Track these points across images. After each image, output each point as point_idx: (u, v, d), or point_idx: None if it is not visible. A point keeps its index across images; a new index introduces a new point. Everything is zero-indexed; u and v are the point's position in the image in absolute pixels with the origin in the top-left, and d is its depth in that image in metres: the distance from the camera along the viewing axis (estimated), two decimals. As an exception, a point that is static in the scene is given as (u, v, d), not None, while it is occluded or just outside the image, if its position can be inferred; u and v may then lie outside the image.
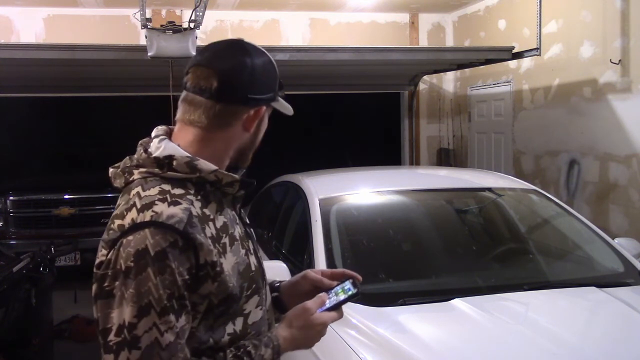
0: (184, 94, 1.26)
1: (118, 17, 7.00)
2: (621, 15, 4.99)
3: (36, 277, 3.57)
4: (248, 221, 1.39)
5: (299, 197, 3.36)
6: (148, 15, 5.13)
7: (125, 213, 1.14)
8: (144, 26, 4.61)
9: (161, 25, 4.71)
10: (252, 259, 1.29)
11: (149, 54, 4.59)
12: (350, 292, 1.33)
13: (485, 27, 7.18)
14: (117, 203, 1.20)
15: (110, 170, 1.27)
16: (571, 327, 2.31)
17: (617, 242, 3.09)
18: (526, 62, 6.34)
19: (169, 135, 1.27)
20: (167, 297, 1.08)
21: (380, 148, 8.36)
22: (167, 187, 1.17)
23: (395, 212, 3.27)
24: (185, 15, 6.44)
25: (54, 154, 7.63)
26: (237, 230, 1.27)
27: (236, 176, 1.24)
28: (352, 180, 3.72)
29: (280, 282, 1.49)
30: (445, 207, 3.42)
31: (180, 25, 4.67)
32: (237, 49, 1.25)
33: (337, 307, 1.32)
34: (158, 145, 1.22)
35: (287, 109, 1.33)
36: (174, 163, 1.18)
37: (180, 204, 1.14)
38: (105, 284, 1.10)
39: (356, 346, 2.11)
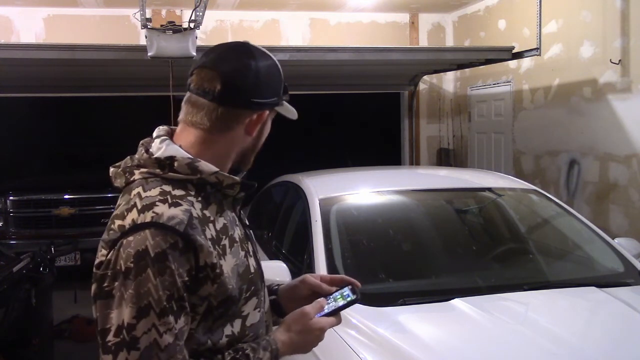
0: (187, 94, 1.25)
1: (118, 17, 7.00)
2: (621, 15, 4.99)
3: (36, 277, 3.57)
4: (247, 222, 1.39)
5: (299, 197, 3.36)
6: (148, 15, 5.13)
7: (125, 213, 1.14)
8: (144, 26, 4.61)
9: (161, 25, 4.71)
10: (252, 261, 1.29)
11: (149, 54, 4.59)
12: (349, 299, 1.33)
13: (485, 27, 7.18)
14: (118, 203, 1.20)
15: (111, 169, 1.27)
16: (571, 327, 2.31)
17: (617, 242, 3.09)
18: (526, 62, 6.34)
19: (170, 135, 1.27)
20: (166, 298, 1.08)
21: (380, 148, 8.36)
22: (167, 188, 1.17)
23: (395, 212, 3.27)
24: (185, 15, 6.44)
25: (54, 154, 7.63)
26: (237, 232, 1.27)
27: (237, 178, 1.24)
28: (352, 180, 3.72)
29: (278, 285, 1.49)
30: (445, 207, 3.42)
31: (180, 25, 4.67)
32: (242, 52, 1.24)
33: (335, 312, 1.32)
34: (159, 145, 1.22)
35: (291, 113, 1.32)
36: (175, 164, 1.18)
37: (180, 205, 1.14)
38: (105, 284, 1.10)
39: (356, 346, 2.11)
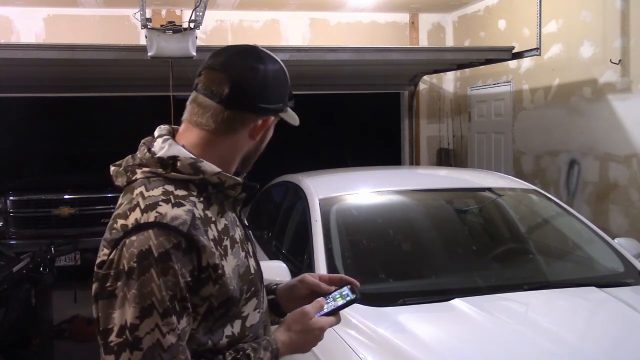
0: (193, 94, 1.25)
1: (118, 17, 7.00)
2: (621, 15, 4.99)
3: (36, 277, 3.57)
4: (246, 223, 1.39)
5: (299, 197, 3.36)
6: (148, 15, 5.13)
7: (128, 213, 1.13)
8: (144, 26, 4.61)
9: (161, 25, 4.71)
10: (252, 262, 1.30)
11: (149, 54, 4.58)
12: (348, 298, 1.33)
13: (485, 27, 7.18)
14: (119, 202, 1.20)
15: (112, 168, 1.27)
16: (571, 327, 2.31)
17: (617, 242, 3.09)
18: (526, 62, 6.34)
19: (172, 135, 1.27)
20: (169, 298, 1.08)
21: (380, 148, 8.35)
22: (170, 188, 1.16)
23: (395, 212, 3.27)
24: (185, 15, 6.44)
25: (54, 154, 7.63)
26: (238, 233, 1.27)
27: (239, 179, 1.24)
28: (352, 180, 3.72)
29: (276, 284, 1.49)
30: (445, 207, 3.42)
31: (180, 25, 4.67)
32: (252, 56, 1.24)
33: (335, 312, 1.32)
34: (162, 145, 1.22)
35: (293, 119, 1.33)
36: (178, 164, 1.18)
37: (183, 205, 1.14)
38: (108, 284, 1.10)
39: (356, 346, 2.11)
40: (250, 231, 1.38)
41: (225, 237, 1.21)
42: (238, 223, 1.30)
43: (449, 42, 7.98)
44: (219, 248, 1.17)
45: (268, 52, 1.27)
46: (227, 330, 1.21)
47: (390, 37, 7.72)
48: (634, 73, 4.92)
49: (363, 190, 3.43)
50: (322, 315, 1.31)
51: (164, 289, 1.08)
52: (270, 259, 3.30)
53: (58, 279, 3.94)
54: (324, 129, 8.66)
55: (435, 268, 2.92)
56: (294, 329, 1.28)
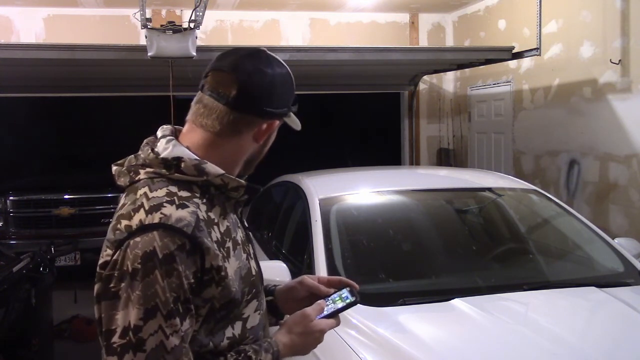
0: (199, 95, 1.24)
1: (118, 17, 7.00)
2: (621, 15, 4.99)
3: (36, 277, 3.57)
4: (246, 224, 1.39)
5: (299, 197, 3.36)
6: (148, 15, 5.13)
7: (132, 213, 1.13)
8: (144, 26, 4.61)
9: (161, 25, 4.71)
10: (252, 264, 1.30)
11: (149, 54, 4.58)
12: (348, 300, 1.34)
13: (485, 27, 7.18)
14: (122, 202, 1.19)
15: (114, 167, 1.26)
16: (571, 327, 2.31)
17: (617, 242, 3.09)
18: (526, 62, 6.34)
19: (175, 135, 1.26)
20: (173, 300, 1.08)
21: (380, 148, 8.35)
22: (174, 189, 1.16)
23: (395, 212, 3.27)
24: (185, 15, 6.44)
25: (54, 154, 7.63)
26: (239, 234, 1.27)
27: (243, 181, 1.24)
28: (352, 180, 3.72)
29: (275, 286, 1.49)
30: (445, 207, 3.42)
31: (180, 25, 4.67)
32: (260, 59, 1.24)
33: (334, 314, 1.32)
34: (166, 146, 1.22)
35: (296, 124, 1.33)
36: (182, 165, 1.18)
37: (187, 207, 1.14)
38: (111, 285, 1.09)
39: (356, 346, 2.11)
40: (249, 232, 1.38)
41: (228, 239, 1.21)
42: (239, 225, 1.30)
43: (449, 42, 7.98)
44: (221, 250, 1.17)
45: (275, 55, 1.27)
46: (228, 332, 1.21)
47: (390, 37, 7.72)
48: (634, 73, 4.92)
49: (363, 190, 3.43)
50: (322, 317, 1.31)
51: (168, 291, 1.07)
52: (270, 259, 3.30)
53: (58, 279, 3.94)
54: (324, 129, 8.66)
55: (435, 268, 2.92)
56: (295, 331, 1.28)
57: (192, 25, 4.63)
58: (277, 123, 1.28)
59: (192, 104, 1.25)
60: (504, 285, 2.69)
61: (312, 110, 7.54)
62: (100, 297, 1.11)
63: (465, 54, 6.34)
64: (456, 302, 2.40)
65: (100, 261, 1.13)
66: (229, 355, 1.19)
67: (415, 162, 7.99)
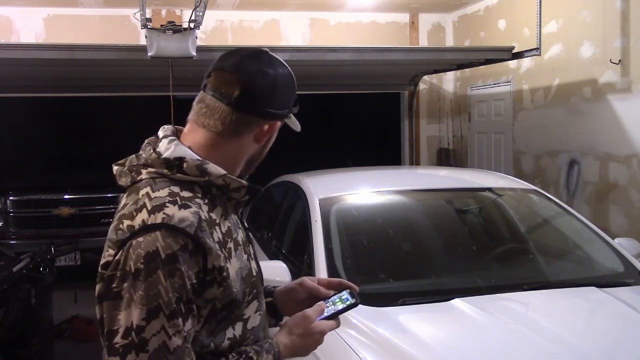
0: (201, 95, 1.24)
1: (118, 17, 7.00)
2: (621, 15, 4.99)
3: (36, 277, 3.57)
4: (246, 225, 1.39)
5: (299, 197, 3.36)
6: (148, 15, 5.13)
7: (134, 213, 1.12)
8: (144, 26, 4.61)
9: (161, 25, 4.71)
10: (253, 264, 1.30)
11: (149, 54, 4.58)
12: (348, 302, 1.34)
13: (485, 27, 7.18)
14: (123, 202, 1.19)
15: (115, 167, 1.26)
16: (571, 327, 2.31)
17: (617, 242, 3.09)
18: (526, 62, 6.34)
19: (176, 135, 1.26)
20: (175, 300, 1.08)
21: (381, 148, 8.35)
22: (176, 189, 1.16)
23: (395, 212, 3.27)
24: (185, 15, 6.44)
25: (54, 154, 7.62)
26: (240, 235, 1.28)
27: (244, 182, 1.24)
28: (352, 180, 3.72)
29: (274, 287, 1.49)
30: (445, 207, 3.42)
31: (180, 25, 4.67)
32: (263, 60, 1.24)
33: (334, 316, 1.33)
34: (168, 146, 1.22)
35: (296, 125, 1.33)
36: (184, 165, 1.17)
37: (190, 207, 1.14)
38: (113, 285, 1.09)
39: (356, 346, 2.11)
40: (250, 233, 1.38)
41: (229, 240, 1.21)
42: (240, 225, 1.30)
43: (449, 42, 7.98)
44: (223, 250, 1.17)
45: (277, 57, 1.27)
46: (229, 333, 1.21)
47: (390, 37, 7.72)
48: (634, 73, 4.92)
49: (363, 190, 3.43)
50: (323, 319, 1.31)
51: (170, 291, 1.07)
52: (270, 259, 3.30)
53: (58, 279, 3.94)
54: (324, 129, 8.65)
55: (435, 268, 2.92)
56: (296, 333, 1.28)
57: (192, 25, 4.63)
58: (279, 124, 1.29)
59: (194, 103, 1.25)
60: (504, 285, 2.69)
61: (312, 110, 7.51)
62: (102, 297, 1.11)
63: (465, 54, 6.34)
64: (456, 302, 2.40)
65: (102, 261, 1.13)
66: (230, 356, 1.19)
67: (415, 162, 7.99)
